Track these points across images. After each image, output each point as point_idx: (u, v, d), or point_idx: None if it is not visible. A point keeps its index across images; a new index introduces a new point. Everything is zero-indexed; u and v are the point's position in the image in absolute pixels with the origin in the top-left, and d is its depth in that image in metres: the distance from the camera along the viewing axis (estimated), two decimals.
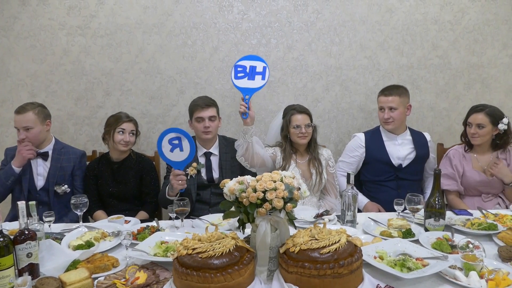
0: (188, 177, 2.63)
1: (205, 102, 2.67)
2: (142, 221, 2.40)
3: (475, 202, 2.67)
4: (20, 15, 3.11)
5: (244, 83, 2.43)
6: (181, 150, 2.28)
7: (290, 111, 2.73)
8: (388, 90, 2.83)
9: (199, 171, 2.69)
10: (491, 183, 2.66)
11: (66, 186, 2.70)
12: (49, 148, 2.73)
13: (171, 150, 2.28)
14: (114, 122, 2.70)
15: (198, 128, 2.67)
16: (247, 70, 2.43)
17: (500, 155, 2.69)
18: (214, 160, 2.76)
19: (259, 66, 2.45)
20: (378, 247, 1.78)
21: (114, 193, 2.74)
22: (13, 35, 3.13)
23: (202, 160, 2.74)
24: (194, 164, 2.66)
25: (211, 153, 2.76)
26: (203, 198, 2.68)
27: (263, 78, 2.44)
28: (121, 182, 2.74)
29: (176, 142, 2.27)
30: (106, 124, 2.76)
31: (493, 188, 2.69)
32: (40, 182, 2.70)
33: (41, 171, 2.71)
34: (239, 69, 2.43)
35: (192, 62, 3.24)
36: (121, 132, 2.67)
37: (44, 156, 2.70)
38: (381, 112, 2.84)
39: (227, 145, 2.80)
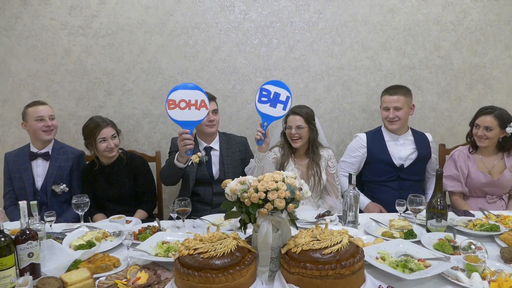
0: (189, 163, 2.61)
1: (208, 96, 2.65)
2: (144, 221, 2.40)
3: (479, 203, 2.66)
4: (22, 15, 3.11)
5: (266, 109, 2.38)
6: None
7: (289, 112, 2.71)
8: (393, 90, 2.83)
9: (201, 162, 2.68)
10: (496, 184, 2.66)
11: (64, 185, 2.70)
12: (49, 148, 2.74)
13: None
14: (91, 132, 2.62)
15: (202, 122, 2.61)
16: (271, 96, 2.38)
17: (506, 158, 2.68)
18: (215, 155, 2.75)
19: (283, 95, 2.38)
20: (380, 248, 1.78)
21: (110, 196, 2.72)
22: (15, 35, 3.13)
23: (203, 153, 2.73)
24: (199, 153, 2.65)
25: (211, 148, 2.75)
26: (204, 198, 2.68)
27: (284, 108, 2.39)
28: (115, 185, 2.72)
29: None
30: (84, 136, 2.69)
31: (499, 189, 2.69)
32: (39, 183, 2.70)
33: (40, 171, 2.72)
34: (264, 92, 2.38)
35: (193, 62, 3.24)
36: (102, 141, 2.62)
37: (45, 156, 2.71)
38: (385, 111, 2.83)
39: (228, 140, 2.81)
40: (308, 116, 2.70)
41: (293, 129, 2.65)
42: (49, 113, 2.69)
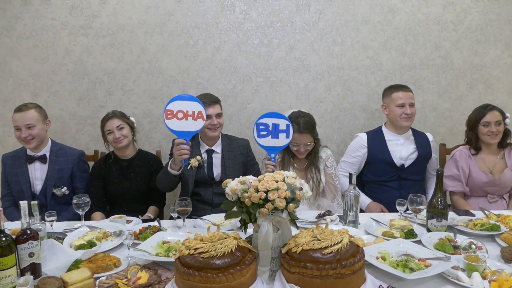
0: (188, 167, 2.62)
1: (212, 99, 2.66)
2: (144, 221, 2.40)
3: (480, 203, 2.66)
4: (23, 15, 3.11)
5: (268, 141, 2.36)
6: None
7: (293, 124, 2.47)
8: (405, 87, 2.87)
9: (200, 166, 2.68)
10: (497, 183, 2.66)
11: (65, 188, 2.66)
12: (46, 150, 2.69)
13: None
14: (101, 126, 2.72)
15: (204, 125, 2.61)
16: (270, 128, 2.35)
17: (507, 156, 2.68)
18: (216, 158, 2.75)
19: (282, 124, 2.36)
20: (380, 248, 1.78)
21: (123, 191, 2.73)
22: (16, 35, 3.14)
23: (204, 157, 2.73)
24: (198, 157, 2.65)
25: (213, 151, 2.75)
26: (205, 198, 2.68)
27: (287, 136, 2.37)
28: (130, 180, 2.74)
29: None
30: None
31: (500, 189, 2.69)
32: (38, 186, 2.66)
33: (38, 175, 2.66)
34: (261, 127, 2.36)
35: (194, 62, 3.24)
36: (109, 133, 2.66)
37: (42, 159, 2.66)
38: (400, 108, 2.79)
39: (230, 143, 2.80)
40: (314, 130, 2.62)
41: (302, 147, 2.59)
42: (25, 122, 2.54)
